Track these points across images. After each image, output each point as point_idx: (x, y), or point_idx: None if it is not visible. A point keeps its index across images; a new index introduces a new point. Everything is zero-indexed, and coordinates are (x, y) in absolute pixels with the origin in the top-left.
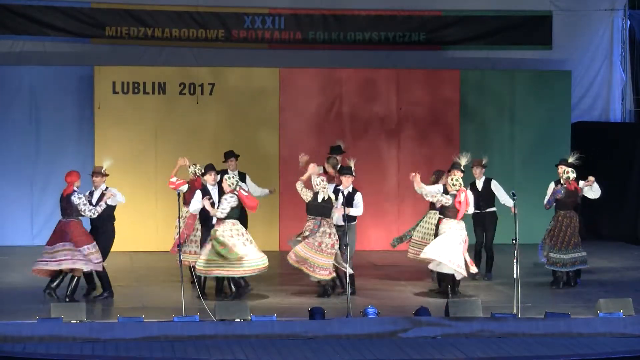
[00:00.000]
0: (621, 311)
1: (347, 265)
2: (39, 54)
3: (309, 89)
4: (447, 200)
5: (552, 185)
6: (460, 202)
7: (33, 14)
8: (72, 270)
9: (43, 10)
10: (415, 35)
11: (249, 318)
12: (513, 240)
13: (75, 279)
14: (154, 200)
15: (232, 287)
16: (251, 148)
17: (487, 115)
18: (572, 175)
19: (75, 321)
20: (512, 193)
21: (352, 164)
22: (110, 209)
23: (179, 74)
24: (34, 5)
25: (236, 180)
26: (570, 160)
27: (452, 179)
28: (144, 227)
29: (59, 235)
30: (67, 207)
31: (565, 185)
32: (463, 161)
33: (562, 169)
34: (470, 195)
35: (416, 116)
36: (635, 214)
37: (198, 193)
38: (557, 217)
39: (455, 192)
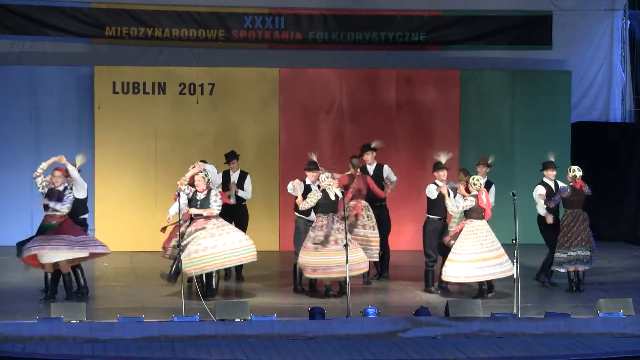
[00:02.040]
0: (621, 311)
1: (347, 265)
2: (39, 54)
3: (309, 89)
4: (471, 202)
5: (541, 188)
6: (483, 201)
7: (33, 14)
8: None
9: (43, 10)
10: (415, 35)
11: (249, 318)
12: (513, 240)
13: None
14: (154, 200)
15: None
16: (251, 148)
17: (487, 115)
18: (579, 173)
19: (75, 321)
20: (512, 193)
21: (314, 158)
22: (80, 202)
23: (179, 74)
24: (34, 5)
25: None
26: (552, 159)
27: (473, 179)
28: (144, 227)
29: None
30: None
31: (572, 184)
32: (443, 159)
33: (550, 172)
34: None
35: (416, 116)
36: (635, 214)
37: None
38: (565, 217)
39: (476, 193)
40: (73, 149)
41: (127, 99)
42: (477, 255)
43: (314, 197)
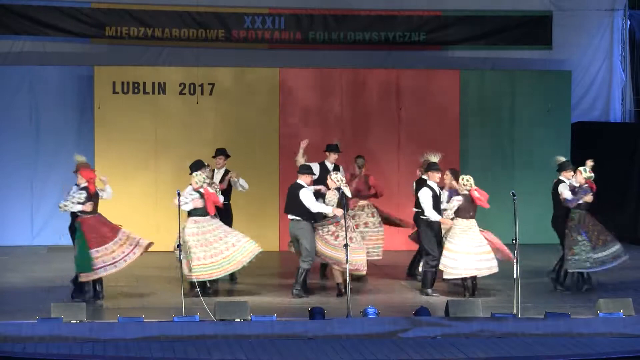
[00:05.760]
0: (621, 311)
1: (347, 265)
2: (39, 54)
3: (309, 89)
4: (458, 202)
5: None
6: (476, 198)
7: (33, 14)
8: None
9: (43, 10)
10: (415, 35)
11: (249, 318)
12: (513, 240)
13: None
14: (154, 201)
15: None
16: (251, 148)
17: (487, 115)
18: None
19: (75, 321)
20: (512, 193)
21: (303, 160)
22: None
23: (179, 74)
24: (34, 5)
25: (204, 178)
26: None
27: (462, 180)
28: (144, 227)
29: (106, 231)
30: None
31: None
32: (435, 159)
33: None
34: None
35: (416, 116)
36: (635, 214)
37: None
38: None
39: (466, 192)
40: (73, 149)
41: (127, 99)
42: (468, 249)
43: (334, 197)
